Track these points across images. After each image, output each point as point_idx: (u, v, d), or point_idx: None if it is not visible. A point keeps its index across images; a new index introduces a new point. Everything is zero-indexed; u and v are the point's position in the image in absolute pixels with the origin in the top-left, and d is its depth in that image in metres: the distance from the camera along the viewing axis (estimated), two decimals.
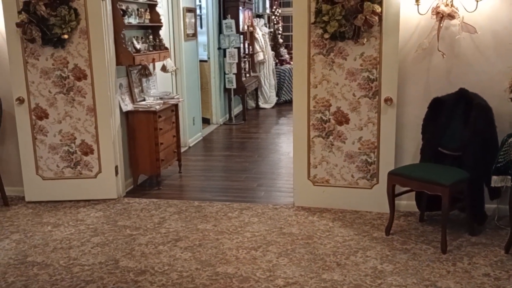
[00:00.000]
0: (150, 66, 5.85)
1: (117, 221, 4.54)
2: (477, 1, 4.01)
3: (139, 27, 5.73)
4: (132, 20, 5.45)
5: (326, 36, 4.34)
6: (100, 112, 4.90)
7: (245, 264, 3.65)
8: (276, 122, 9.52)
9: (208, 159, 7.03)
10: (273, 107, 10.94)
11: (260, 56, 10.61)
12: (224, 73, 9.22)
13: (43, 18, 4.62)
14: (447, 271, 3.50)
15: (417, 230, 4.20)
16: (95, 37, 4.76)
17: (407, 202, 4.55)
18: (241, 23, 9.48)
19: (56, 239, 4.17)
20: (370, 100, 4.43)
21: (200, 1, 8.85)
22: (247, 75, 9.98)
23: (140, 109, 5.35)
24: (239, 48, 9.11)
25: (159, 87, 6.27)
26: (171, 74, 6.89)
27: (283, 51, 12.19)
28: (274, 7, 12.66)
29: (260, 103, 10.93)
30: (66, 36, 4.68)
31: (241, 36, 9.34)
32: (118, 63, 5.08)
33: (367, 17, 4.17)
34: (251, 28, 10.32)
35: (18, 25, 4.64)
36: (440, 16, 4.12)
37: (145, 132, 5.34)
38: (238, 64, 9.18)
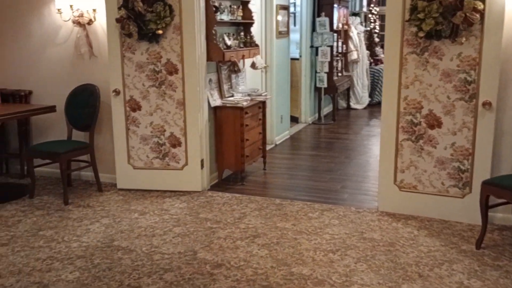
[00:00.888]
0: (240, 63, 5.91)
1: (199, 213, 4.63)
2: None
3: (231, 23, 5.81)
4: (224, 17, 5.54)
5: (421, 34, 4.12)
6: (189, 106, 5.03)
7: (321, 267, 3.56)
8: (367, 124, 9.26)
9: (294, 157, 6.99)
10: (365, 108, 10.66)
11: (353, 55, 10.39)
12: (316, 72, 9.12)
13: (140, 14, 4.83)
14: None
15: None
16: (188, 33, 4.89)
17: (503, 215, 4.22)
18: (335, 21, 9.32)
19: (141, 226, 4.34)
20: (466, 103, 4.15)
21: None
22: (339, 74, 9.81)
23: (228, 105, 5.43)
24: (332, 47, 8.97)
25: (248, 84, 6.32)
26: (261, 71, 6.92)
27: (379, 50, 11.87)
28: (372, 5, 12.33)
29: (351, 103, 10.70)
30: (160, 32, 4.85)
31: (335, 34, 9.19)
32: (209, 58, 5.19)
33: (467, 14, 3.90)
34: (345, 27, 10.13)
35: (117, 20, 4.89)
36: None
37: (232, 127, 5.41)
38: (330, 63, 9.04)
